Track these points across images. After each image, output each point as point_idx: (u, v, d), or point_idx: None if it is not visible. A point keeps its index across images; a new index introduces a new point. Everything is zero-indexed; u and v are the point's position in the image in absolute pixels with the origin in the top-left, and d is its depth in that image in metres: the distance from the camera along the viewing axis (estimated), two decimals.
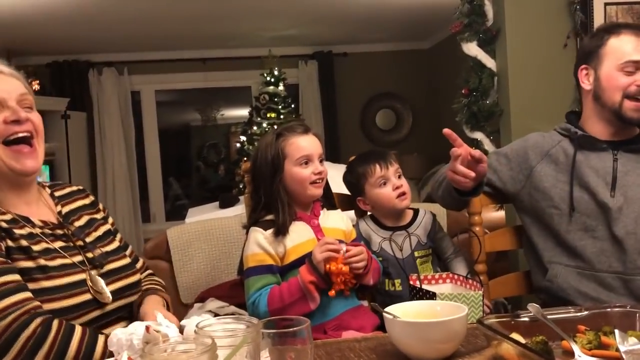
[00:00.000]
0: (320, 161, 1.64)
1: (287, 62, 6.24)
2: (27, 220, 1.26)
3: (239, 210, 3.41)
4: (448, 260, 1.88)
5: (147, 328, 0.92)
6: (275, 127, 5.75)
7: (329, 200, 1.74)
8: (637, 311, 1.10)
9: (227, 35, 5.85)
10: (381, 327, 1.59)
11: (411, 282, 1.55)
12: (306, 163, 1.60)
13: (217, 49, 6.29)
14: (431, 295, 1.43)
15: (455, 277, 1.58)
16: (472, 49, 2.69)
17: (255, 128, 5.89)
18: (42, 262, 1.20)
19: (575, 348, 1.00)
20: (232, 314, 1.31)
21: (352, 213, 1.93)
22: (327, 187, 1.72)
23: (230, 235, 2.82)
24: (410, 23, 5.84)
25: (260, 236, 1.56)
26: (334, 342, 1.23)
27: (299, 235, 1.59)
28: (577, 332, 1.07)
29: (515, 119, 2.61)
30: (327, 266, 1.51)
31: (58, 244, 1.27)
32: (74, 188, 1.47)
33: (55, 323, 1.14)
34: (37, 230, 1.26)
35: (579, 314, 1.12)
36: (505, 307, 2.64)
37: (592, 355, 0.99)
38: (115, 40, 5.79)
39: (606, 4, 2.64)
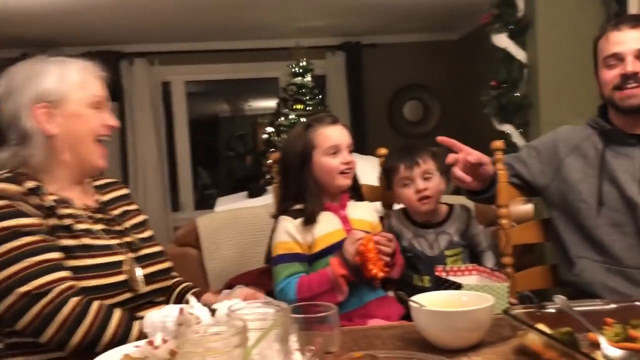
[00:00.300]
0: (350, 152, 1.65)
1: (314, 53, 6.24)
2: (70, 202, 1.32)
3: (267, 200, 3.44)
4: (480, 253, 1.86)
5: (181, 310, 0.95)
6: (302, 119, 5.82)
7: (357, 192, 1.76)
8: None
9: (256, 26, 5.88)
10: (406, 317, 1.60)
11: (437, 273, 1.56)
12: (335, 153, 1.61)
13: (246, 40, 6.33)
14: (457, 286, 1.43)
15: (481, 269, 1.58)
16: (502, 40, 2.67)
17: (282, 119, 5.92)
18: (84, 240, 1.26)
19: (602, 340, 1.00)
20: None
21: (378, 204, 1.94)
22: (354, 179, 1.73)
23: (258, 224, 2.86)
24: (439, 14, 5.79)
25: (289, 224, 1.59)
26: (360, 330, 1.25)
27: (327, 225, 1.61)
28: (604, 324, 1.07)
29: (544, 111, 2.58)
30: (359, 257, 1.52)
31: (99, 226, 1.33)
32: (110, 180, 1.54)
33: (95, 304, 1.19)
34: (80, 212, 1.32)
35: (606, 306, 1.12)
36: (531, 300, 2.62)
37: (620, 348, 0.99)
38: (146, 31, 5.87)
39: None
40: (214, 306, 0.99)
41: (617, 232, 1.60)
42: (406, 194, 1.77)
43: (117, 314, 1.20)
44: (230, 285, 2.70)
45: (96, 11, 4.96)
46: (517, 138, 2.66)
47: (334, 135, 1.62)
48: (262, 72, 6.56)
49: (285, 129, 5.88)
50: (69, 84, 1.33)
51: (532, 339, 0.99)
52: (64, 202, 1.30)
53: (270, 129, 6.07)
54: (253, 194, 4.05)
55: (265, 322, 0.84)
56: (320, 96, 6.06)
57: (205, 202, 6.49)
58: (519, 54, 2.61)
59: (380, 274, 1.53)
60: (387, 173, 1.83)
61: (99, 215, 1.36)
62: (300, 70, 5.87)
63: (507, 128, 2.70)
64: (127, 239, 1.36)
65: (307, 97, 5.86)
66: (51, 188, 1.30)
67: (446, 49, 6.69)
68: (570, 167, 1.70)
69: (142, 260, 1.35)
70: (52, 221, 1.24)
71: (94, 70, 1.42)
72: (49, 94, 1.30)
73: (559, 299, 1.10)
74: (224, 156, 7.71)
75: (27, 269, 1.15)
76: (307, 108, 5.86)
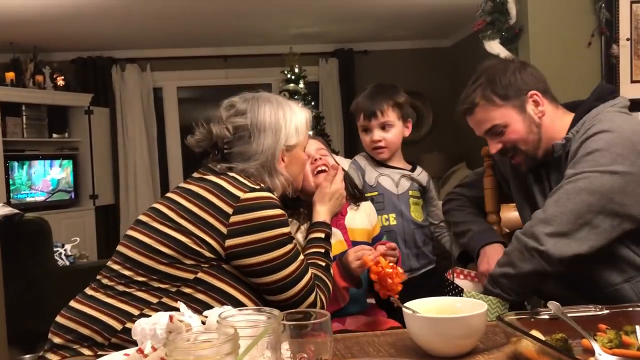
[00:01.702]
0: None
1: (307, 59, 6.25)
2: None
3: None
4: (437, 233, 1.95)
5: (171, 318, 0.94)
6: None
7: (353, 196, 1.74)
8: None
9: (249, 33, 5.89)
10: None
11: (447, 275, 1.59)
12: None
13: (239, 46, 6.33)
14: (458, 291, 1.45)
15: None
16: (494, 47, 2.67)
17: None
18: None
19: (596, 346, 1.00)
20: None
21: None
22: (352, 184, 1.73)
23: None
24: (432, 21, 5.82)
25: (295, 229, 1.58)
26: (353, 337, 1.24)
27: None
28: (598, 330, 1.07)
29: None
30: (372, 273, 1.50)
31: None
32: None
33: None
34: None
35: (599, 312, 1.11)
36: (523, 306, 2.62)
37: (613, 354, 0.99)
38: (138, 37, 5.86)
39: (632, 2, 2.61)
40: (205, 313, 0.98)
41: None
42: (365, 139, 1.90)
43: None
44: None
45: (88, 17, 4.95)
46: None
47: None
48: (255, 78, 6.55)
49: None
50: (302, 131, 1.51)
51: (526, 346, 0.99)
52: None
53: None
54: None
55: (256, 329, 0.83)
56: (313, 102, 6.07)
57: None
58: None
59: (400, 286, 1.49)
60: (352, 114, 1.94)
61: None
62: (293, 77, 5.88)
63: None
64: None
65: (301, 104, 5.86)
66: None
67: (439, 56, 6.72)
68: (514, 187, 1.71)
69: None
70: None
71: (309, 117, 1.56)
72: (290, 139, 1.48)
73: (553, 305, 1.09)
74: None
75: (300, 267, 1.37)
76: None
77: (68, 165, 5.95)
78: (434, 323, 1.09)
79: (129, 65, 6.31)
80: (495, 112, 1.54)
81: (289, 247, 1.36)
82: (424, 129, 6.79)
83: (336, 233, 1.61)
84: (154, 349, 0.89)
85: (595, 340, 1.02)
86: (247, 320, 0.87)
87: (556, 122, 1.56)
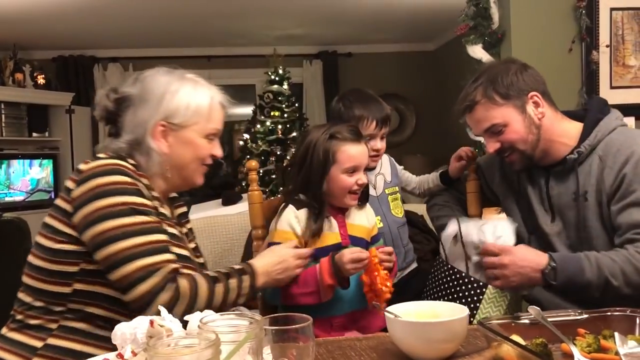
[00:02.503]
0: (364, 171, 1.63)
1: (291, 61, 6.25)
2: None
3: (242, 207, 3.42)
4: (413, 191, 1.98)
5: (151, 322, 0.93)
6: (279, 126, 5.82)
7: (360, 200, 1.72)
8: (636, 315, 1.11)
9: (232, 33, 5.87)
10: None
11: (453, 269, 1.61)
12: (353, 172, 1.58)
13: (222, 47, 6.30)
14: (482, 285, 1.53)
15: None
16: (477, 51, 2.69)
17: (258, 126, 5.90)
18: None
19: (575, 351, 1.01)
20: (234, 311, 1.31)
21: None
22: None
23: (232, 232, 2.83)
24: (415, 24, 5.85)
25: (292, 215, 1.56)
26: (335, 341, 1.24)
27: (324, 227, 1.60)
28: (577, 335, 1.08)
29: None
30: (365, 276, 1.49)
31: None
32: (174, 194, 1.52)
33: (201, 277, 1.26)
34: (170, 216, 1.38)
35: (578, 317, 1.12)
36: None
37: (592, 359, 1.00)
38: (120, 37, 5.80)
39: (612, 9, 2.65)
40: (186, 318, 0.97)
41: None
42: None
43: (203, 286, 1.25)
44: None
45: (70, 15, 4.89)
46: None
47: (356, 154, 1.58)
48: (239, 79, 6.53)
49: (261, 136, 5.86)
50: (197, 112, 1.34)
51: (507, 350, 0.99)
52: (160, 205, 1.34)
53: (246, 136, 6.04)
54: (228, 202, 4.01)
55: (238, 334, 0.82)
56: (297, 104, 6.07)
57: None
58: None
59: (389, 295, 1.49)
60: (349, 119, 1.77)
61: (179, 228, 1.41)
62: (277, 78, 5.87)
63: (482, 138, 2.73)
64: (198, 260, 1.44)
65: (284, 105, 5.86)
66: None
67: (422, 59, 6.76)
68: (504, 191, 1.72)
69: None
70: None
71: (222, 102, 1.41)
72: (175, 116, 1.32)
73: (533, 310, 1.10)
74: None
75: (139, 247, 1.19)
76: (285, 115, 5.86)
77: (48, 164, 5.87)
78: (416, 327, 1.09)
79: (111, 64, 6.25)
80: (495, 110, 1.55)
81: (131, 219, 1.20)
82: (406, 132, 6.83)
83: (332, 224, 1.61)
84: (134, 354, 0.88)
85: (575, 344, 1.03)
86: (228, 325, 0.87)
87: (555, 125, 1.57)
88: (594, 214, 1.52)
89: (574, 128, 1.58)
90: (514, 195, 1.69)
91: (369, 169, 1.83)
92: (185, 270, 1.27)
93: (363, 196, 1.69)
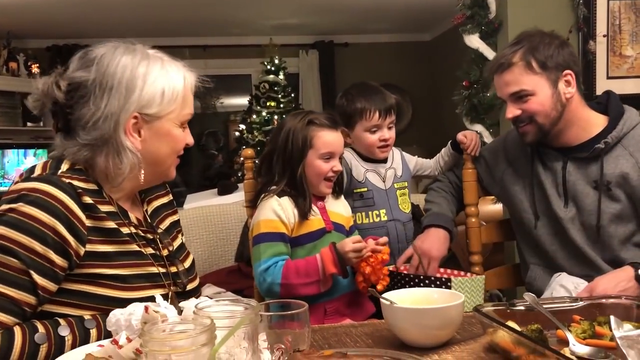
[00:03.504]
0: (340, 159, 1.65)
1: (287, 51, 6.22)
2: (126, 216, 1.19)
3: (238, 197, 3.42)
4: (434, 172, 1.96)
5: (146, 308, 0.92)
6: (275, 116, 5.80)
7: (335, 190, 1.73)
8: (632, 302, 1.11)
9: (229, 23, 5.83)
10: (376, 315, 1.60)
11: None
12: (328, 159, 1.60)
13: (218, 37, 6.27)
14: (446, 280, 1.52)
15: (456, 272, 1.67)
16: (474, 41, 2.69)
17: (254, 117, 5.89)
18: (123, 272, 1.12)
19: (570, 337, 1.01)
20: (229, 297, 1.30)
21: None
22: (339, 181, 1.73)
23: (228, 222, 2.83)
24: (412, 14, 5.83)
25: (275, 203, 1.57)
26: (330, 327, 1.24)
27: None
28: (572, 321, 1.08)
29: None
30: (364, 264, 1.52)
31: (149, 250, 1.19)
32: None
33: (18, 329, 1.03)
34: (132, 230, 1.18)
35: (574, 304, 1.13)
36: (499, 298, 2.66)
37: (587, 344, 1.00)
38: (115, 26, 5.76)
39: (609, 0, 2.64)
40: (181, 304, 0.97)
41: (557, 242, 1.61)
42: (371, 139, 1.79)
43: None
44: (199, 284, 2.67)
45: (64, 4, 4.85)
46: (487, 138, 2.68)
47: (332, 141, 1.60)
48: (234, 69, 6.51)
49: (257, 126, 5.85)
50: (173, 98, 1.16)
51: (502, 336, 1.00)
52: (120, 217, 1.16)
53: (242, 126, 6.03)
54: (223, 192, 4.01)
55: (233, 319, 0.82)
56: (293, 94, 6.05)
57: (174, 200, 6.38)
58: (491, 54, 2.63)
59: (381, 285, 1.53)
60: (353, 114, 1.79)
61: (150, 236, 1.22)
62: (273, 68, 5.85)
63: (478, 128, 2.72)
64: (174, 269, 1.23)
65: (280, 95, 5.84)
66: (113, 195, 1.18)
67: (418, 49, 6.74)
68: (511, 177, 1.71)
69: (183, 296, 1.20)
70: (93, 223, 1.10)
71: (193, 82, 1.24)
72: (150, 106, 1.14)
73: (529, 297, 1.11)
74: (195, 153, 7.62)
75: None
76: (280, 105, 5.84)
77: (43, 154, 5.84)
78: (411, 314, 1.09)
79: None
80: (528, 77, 1.54)
81: None
82: (403, 123, 6.82)
83: (315, 210, 1.62)
84: (129, 340, 0.88)
85: (570, 330, 1.03)
86: (223, 311, 0.86)
87: (579, 109, 1.58)
88: (615, 204, 1.53)
89: (596, 117, 1.60)
90: (523, 180, 1.68)
91: (379, 161, 1.83)
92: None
93: (338, 187, 1.70)
